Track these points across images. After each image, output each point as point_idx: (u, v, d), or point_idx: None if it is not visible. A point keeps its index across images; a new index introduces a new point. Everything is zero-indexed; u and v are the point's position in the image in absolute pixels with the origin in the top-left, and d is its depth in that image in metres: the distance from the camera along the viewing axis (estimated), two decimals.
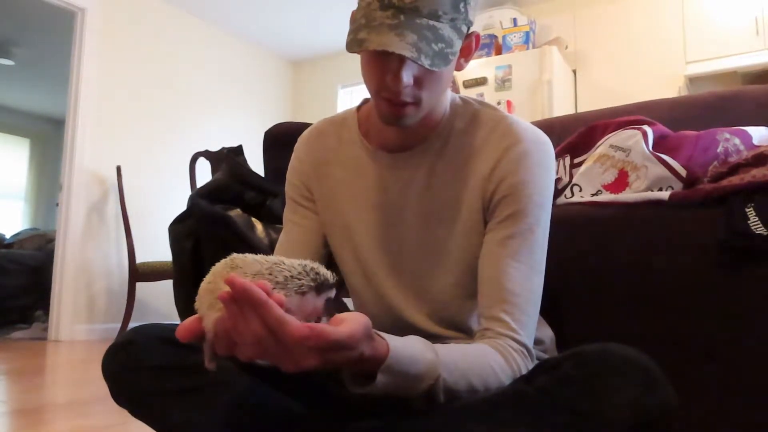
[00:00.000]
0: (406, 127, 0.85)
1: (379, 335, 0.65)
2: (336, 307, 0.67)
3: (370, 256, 0.93)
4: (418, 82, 0.78)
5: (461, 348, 0.75)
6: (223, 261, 0.65)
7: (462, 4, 0.76)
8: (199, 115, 4.78)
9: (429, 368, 0.67)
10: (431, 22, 0.74)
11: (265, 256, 0.66)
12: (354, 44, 0.74)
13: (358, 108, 0.97)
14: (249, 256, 0.65)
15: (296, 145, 1.01)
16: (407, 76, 0.76)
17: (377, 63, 0.78)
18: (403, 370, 0.65)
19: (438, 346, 0.71)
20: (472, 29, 0.83)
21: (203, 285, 0.64)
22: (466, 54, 0.84)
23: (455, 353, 0.72)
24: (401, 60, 0.75)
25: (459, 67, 0.85)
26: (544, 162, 0.86)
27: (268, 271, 0.63)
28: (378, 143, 0.92)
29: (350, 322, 0.59)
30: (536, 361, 0.91)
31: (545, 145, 0.87)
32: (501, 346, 0.77)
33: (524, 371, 0.77)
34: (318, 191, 0.97)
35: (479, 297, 0.83)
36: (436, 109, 0.87)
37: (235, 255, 0.65)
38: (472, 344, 0.78)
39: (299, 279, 0.64)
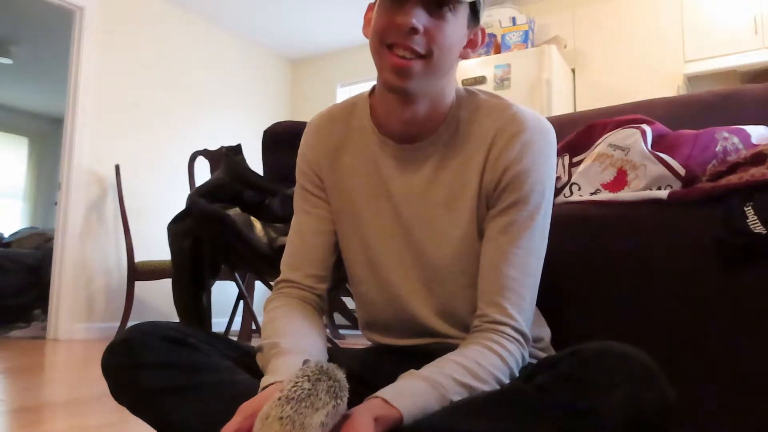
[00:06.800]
0: (412, 96, 0.84)
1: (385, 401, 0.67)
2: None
3: (377, 245, 0.93)
4: (428, 32, 0.79)
5: (460, 369, 0.74)
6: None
7: None
8: (198, 113, 4.77)
9: (442, 403, 0.70)
10: None
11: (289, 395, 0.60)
12: None
13: (370, 93, 0.95)
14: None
15: (305, 132, 1.01)
16: (418, 16, 0.78)
17: (390, 7, 0.80)
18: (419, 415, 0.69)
19: (437, 371, 0.73)
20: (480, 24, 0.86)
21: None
22: (473, 45, 0.87)
23: (458, 374, 0.73)
24: (414, 3, 0.78)
25: (465, 56, 0.87)
26: (547, 150, 0.88)
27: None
28: (387, 133, 0.91)
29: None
30: (534, 351, 0.91)
31: (549, 133, 0.89)
32: (496, 342, 0.78)
33: (520, 360, 0.80)
34: (329, 179, 0.97)
35: (479, 281, 0.85)
36: (443, 100, 0.88)
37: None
38: (468, 350, 0.78)
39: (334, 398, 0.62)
